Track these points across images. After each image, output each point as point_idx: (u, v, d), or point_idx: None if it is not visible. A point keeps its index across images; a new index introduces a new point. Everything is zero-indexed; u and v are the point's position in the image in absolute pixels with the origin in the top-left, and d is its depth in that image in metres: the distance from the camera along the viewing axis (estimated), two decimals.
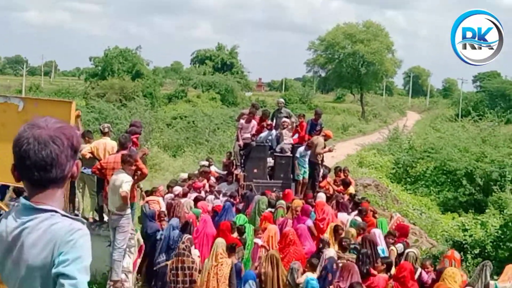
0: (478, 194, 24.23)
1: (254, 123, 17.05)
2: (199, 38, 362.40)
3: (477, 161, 26.01)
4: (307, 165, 16.33)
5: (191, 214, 12.28)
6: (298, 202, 12.81)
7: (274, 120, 18.02)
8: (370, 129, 54.49)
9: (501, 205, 19.93)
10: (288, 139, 17.22)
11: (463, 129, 34.59)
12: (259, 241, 10.76)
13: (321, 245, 10.39)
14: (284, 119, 17.56)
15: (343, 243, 10.42)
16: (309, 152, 16.19)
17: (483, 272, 9.17)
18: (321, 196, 13.72)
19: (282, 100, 20.24)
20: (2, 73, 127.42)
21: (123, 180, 9.66)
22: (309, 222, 11.73)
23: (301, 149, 16.34)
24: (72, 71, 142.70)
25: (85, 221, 2.33)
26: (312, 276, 9.08)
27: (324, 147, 16.82)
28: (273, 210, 13.01)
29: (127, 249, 10.68)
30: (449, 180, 26.60)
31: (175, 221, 11.75)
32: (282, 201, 13.31)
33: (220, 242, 9.97)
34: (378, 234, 11.55)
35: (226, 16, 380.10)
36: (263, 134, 17.13)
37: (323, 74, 76.57)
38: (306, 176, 16.37)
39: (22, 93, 57.25)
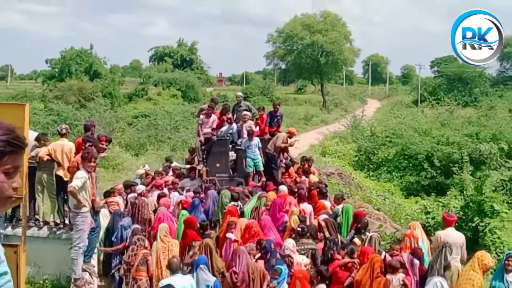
0: (440, 177, 24.63)
1: (214, 117, 16.99)
2: (156, 34, 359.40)
3: (437, 144, 26.41)
4: (256, 156, 16.27)
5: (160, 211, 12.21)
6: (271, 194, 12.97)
7: (235, 114, 17.99)
8: (332, 118, 54.91)
9: (462, 187, 20.27)
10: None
11: (423, 114, 35.13)
12: (231, 236, 10.71)
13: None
14: (245, 112, 17.54)
15: (298, 229, 10.51)
16: (253, 143, 16.18)
17: (442, 253, 9.28)
18: (283, 189, 13.73)
19: (240, 93, 20.23)
20: None
21: (76, 177, 9.56)
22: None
23: (243, 140, 16.38)
24: (29, 74, 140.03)
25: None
26: None
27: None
28: (236, 203, 13.00)
29: (91, 250, 10.57)
30: (411, 165, 26.97)
31: (125, 221, 11.73)
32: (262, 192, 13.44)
33: (163, 227, 10.57)
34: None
35: (182, 11, 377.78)
36: (223, 128, 17.09)
37: (283, 66, 76.79)
38: (261, 166, 16.32)
39: None
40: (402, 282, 8.94)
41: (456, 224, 16.64)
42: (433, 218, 17.20)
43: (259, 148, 16.31)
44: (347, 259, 9.37)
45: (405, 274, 9.09)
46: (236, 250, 9.39)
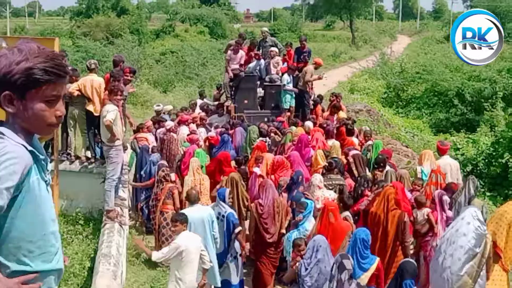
0: (470, 113, 24.30)
1: (242, 53, 16.89)
2: None
3: (468, 80, 25.96)
4: (293, 93, 16.30)
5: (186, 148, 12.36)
6: (299, 130, 13.00)
7: (260, 50, 17.84)
8: (361, 55, 54.06)
9: (493, 123, 20.03)
10: (275, 69, 17.09)
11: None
12: (257, 170, 10.84)
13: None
14: (271, 48, 17.39)
15: (326, 164, 10.55)
16: (291, 78, 16.16)
17: (467, 186, 9.26)
18: (308, 125, 13.71)
19: (266, 29, 20.02)
20: None
21: (108, 110, 9.64)
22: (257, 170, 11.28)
23: (286, 76, 16.28)
24: (57, 10, 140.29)
25: (29, 147, 2.28)
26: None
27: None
28: (265, 139, 13.06)
29: (121, 184, 10.76)
30: (440, 101, 26.62)
31: (154, 157, 11.92)
32: (292, 127, 13.50)
33: (195, 160, 10.88)
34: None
35: None
36: (251, 65, 17.00)
37: (311, 2, 75.52)
38: (293, 103, 16.35)
39: (7, 35, 56.25)
40: (426, 217, 8.95)
41: (486, 160, 16.68)
42: (462, 155, 17.12)
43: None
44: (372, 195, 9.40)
45: (432, 209, 9.08)
46: (263, 183, 9.49)
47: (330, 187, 10.02)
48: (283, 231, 9.00)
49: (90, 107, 11.51)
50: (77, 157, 12.55)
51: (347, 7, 69.56)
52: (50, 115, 2.35)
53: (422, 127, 24.88)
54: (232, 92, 16.89)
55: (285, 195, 9.78)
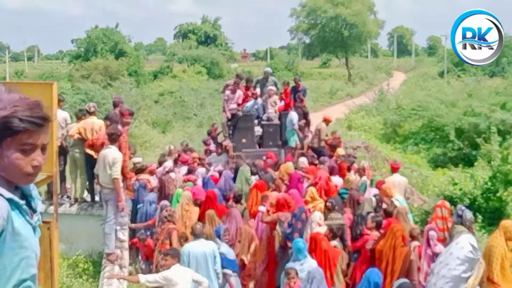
0: (467, 148, 24.42)
1: (239, 93, 17.09)
2: (179, 12, 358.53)
3: (464, 115, 26.16)
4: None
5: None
6: (285, 168, 13.06)
7: (260, 90, 18.06)
8: (357, 92, 54.47)
9: (490, 158, 20.12)
10: (273, 108, 17.28)
11: (449, 85, 34.73)
12: (263, 209, 10.95)
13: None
14: (270, 87, 17.61)
15: (327, 204, 10.61)
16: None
17: (456, 216, 9.31)
18: (303, 161, 13.82)
19: (269, 69, 20.22)
20: None
21: (114, 159, 9.77)
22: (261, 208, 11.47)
23: (294, 115, 16.41)
24: (56, 54, 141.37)
25: (6, 195, 2.34)
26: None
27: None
28: (255, 177, 13.21)
29: (120, 226, 10.80)
30: (437, 137, 26.79)
31: (151, 196, 12.01)
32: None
33: (186, 194, 11.26)
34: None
35: None
36: (249, 104, 17.20)
37: (307, 41, 76.11)
38: (299, 141, 16.51)
39: (7, 79, 56.73)
40: (412, 249, 8.95)
41: (484, 195, 16.75)
42: (460, 189, 17.15)
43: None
44: (374, 233, 9.45)
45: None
46: (229, 212, 10.14)
47: (332, 227, 10.06)
48: (244, 258, 9.54)
49: (89, 151, 11.61)
50: (76, 200, 12.60)
51: (342, 45, 70.33)
52: (25, 163, 2.32)
53: (420, 162, 24.96)
54: (230, 131, 17.04)
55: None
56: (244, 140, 16.83)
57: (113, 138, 10.04)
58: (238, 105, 16.98)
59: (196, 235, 8.69)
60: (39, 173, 2.42)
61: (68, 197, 12.63)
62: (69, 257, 11.99)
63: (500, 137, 21.82)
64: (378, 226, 9.47)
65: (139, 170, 13.45)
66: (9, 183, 2.37)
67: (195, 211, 10.98)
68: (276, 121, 17.10)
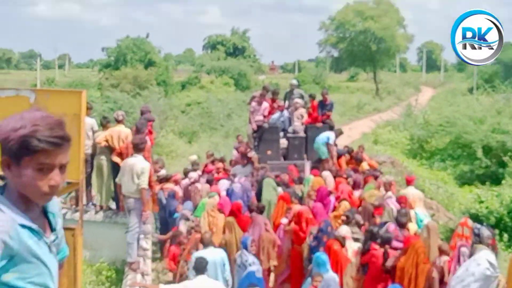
0: (494, 166, 24.12)
1: (265, 105, 17.17)
2: (208, 23, 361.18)
3: (492, 132, 25.86)
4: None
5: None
6: (318, 182, 13.11)
7: (287, 102, 18.14)
8: (385, 106, 54.20)
9: None
10: (299, 120, 17.30)
11: (478, 102, 34.35)
12: (285, 221, 11.04)
13: None
14: (296, 99, 17.65)
15: (342, 217, 10.63)
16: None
17: (477, 233, 9.22)
18: (326, 175, 13.82)
19: (295, 81, 20.30)
20: (17, 68, 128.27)
21: (143, 168, 9.94)
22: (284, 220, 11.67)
23: (332, 135, 16.37)
24: (86, 63, 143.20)
25: (19, 220, 2.37)
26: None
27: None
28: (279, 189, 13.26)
29: (143, 235, 10.90)
30: (465, 153, 26.49)
31: (188, 205, 12.14)
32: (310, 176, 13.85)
33: (211, 202, 11.51)
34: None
35: (234, 0, 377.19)
36: (275, 116, 17.26)
37: (335, 54, 75.88)
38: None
39: (38, 87, 57.58)
40: (442, 265, 8.92)
41: (510, 214, 16.54)
42: (486, 208, 16.96)
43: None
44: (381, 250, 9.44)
45: (451, 258, 9.09)
46: (253, 219, 10.45)
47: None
48: (272, 263, 9.84)
49: (116, 159, 11.74)
50: (102, 207, 12.74)
51: (370, 59, 70.03)
52: (42, 184, 2.34)
53: (447, 179, 24.73)
54: (256, 143, 17.11)
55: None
56: (269, 152, 16.89)
57: (140, 148, 10.18)
58: (264, 117, 17.06)
59: (205, 244, 8.79)
60: (65, 181, 2.46)
61: (94, 204, 12.77)
62: (93, 264, 12.08)
63: None
64: (385, 242, 9.41)
65: (164, 179, 13.57)
66: (27, 200, 2.41)
67: (221, 218, 11.13)
68: (302, 134, 17.13)
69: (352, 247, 9.74)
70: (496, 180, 22.60)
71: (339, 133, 17.02)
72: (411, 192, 12.83)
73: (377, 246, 9.48)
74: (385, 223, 10.53)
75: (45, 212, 2.55)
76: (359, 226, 10.66)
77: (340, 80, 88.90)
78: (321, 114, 17.51)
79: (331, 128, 17.46)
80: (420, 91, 75.06)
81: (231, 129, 33.99)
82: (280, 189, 13.32)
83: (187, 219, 11.43)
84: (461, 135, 26.92)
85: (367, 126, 37.19)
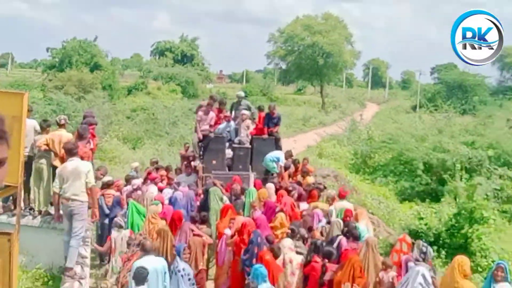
0: (434, 183, 24.69)
1: (212, 114, 17.09)
2: (157, 29, 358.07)
3: (433, 150, 26.47)
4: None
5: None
6: (263, 194, 13.06)
7: (233, 112, 18.10)
8: (330, 120, 54.88)
9: (456, 194, 20.35)
10: (245, 131, 17.25)
11: (420, 120, 35.15)
12: (228, 232, 10.95)
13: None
14: (243, 111, 17.61)
15: (288, 230, 10.67)
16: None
17: (415, 250, 9.44)
18: (270, 187, 13.81)
19: (242, 93, 20.30)
20: None
21: (89, 170, 9.77)
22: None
23: (283, 157, 16.35)
24: (30, 63, 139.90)
25: None
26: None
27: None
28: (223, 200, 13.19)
29: (83, 241, 10.64)
30: (406, 170, 27.01)
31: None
32: (252, 188, 13.84)
33: (152, 209, 11.47)
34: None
35: (184, 8, 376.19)
36: (221, 126, 17.20)
37: (283, 66, 76.56)
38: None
39: None
40: (391, 280, 9.03)
41: (448, 231, 16.92)
42: (426, 224, 17.31)
43: None
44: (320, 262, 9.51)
45: (398, 274, 9.21)
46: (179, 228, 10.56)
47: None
48: (200, 267, 10.00)
49: (56, 162, 11.45)
50: (40, 212, 12.38)
51: (318, 73, 70.89)
52: None
53: (388, 194, 25.13)
54: (201, 152, 17.00)
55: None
56: (214, 162, 16.79)
57: (73, 152, 10.06)
58: (210, 126, 16.97)
59: (146, 251, 8.65)
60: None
61: (32, 209, 12.40)
62: (29, 270, 11.73)
63: (467, 174, 22.14)
64: (326, 256, 9.47)
65: (105, 185, 13.30)
66: None
67: (162, 224, 10.94)
68: (248, 145, 17.09)
69: (296, 260, 9.73)
70: (435, 197, 23.15)
71: (288, 155, 17.03)
72: (344, 204, 12.76)
73: (318, 259, 9.51)
74: (337, 236, 10.59)
75: None
76: (304, 240, 10.68)
77: (287, 92, 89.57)
78: (267, 126, 17.50)
79: (277, 140, 17.49)
80: (365, 107, 76.41)
81: (177, 136, 33.74)
82: (225, 199, 13.24)
83: (121, 226, 11.22)
84: (403, 152, 27.47)
85: (312, 139, 37.53)
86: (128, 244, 10.55)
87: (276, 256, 9.47)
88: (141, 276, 8.00)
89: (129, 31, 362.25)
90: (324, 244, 10.00)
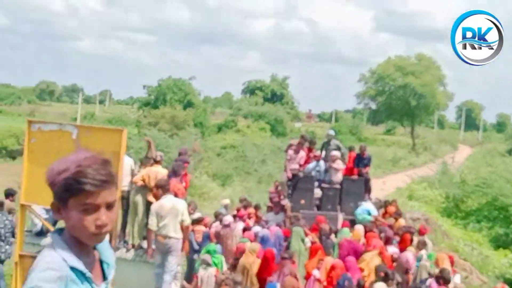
0: None
1: (302, 154, 17.17)
2: (247, 68, 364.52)
3: None
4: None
5: (241, 244, 12.49)
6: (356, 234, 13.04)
7: (324, 152, 18.11)
8: (421, 162, 53.75)
9: None
10: (338, 173, 17.18)
11: None
12: (317, 273, 10.90)
13: None
14: (333, 152, 17.57)
15: (380, 273, 10.47)
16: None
17: None
18: (358, 228, 13.68)
19: (332, 132, 20.23)
20: (59, 101, 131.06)
21: (184, 206, 10.13)
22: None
23: (374, 209, 16.24)
24: (126, 99, 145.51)
25: (70, 263, 2.36)
26: None
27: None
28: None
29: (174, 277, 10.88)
30: (501, 216, 26.07)
31: (218, 249, 12.16)
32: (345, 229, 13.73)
33: (253, 245, 11.63)
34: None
35: (273, 47, 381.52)
36: (310, 165, 17.23)
37: (373, 107, 75.77)
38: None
39: (78, 120, 58.72)
40: None
41: None
42: None
43: None
44: None
45: None
46: None
47: None
48: None
49: (151, 198, 11.80)
50: (133, 246, 12.75)
51: (409, 114, 69.74)
52: (88, 224, 2.34)
53: (481, 240, 24.30)
54: (290, 191, 17.06)
55: None
56: (302, 201, 16.81)
57: (167, 188, 10.37)
58: (300, 165, 17.04)
59: (236, 283, 8.88)
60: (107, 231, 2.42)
61: (126, 242, 12.80)
62: None
63: None
64: None
65: (195, 221, 13.57)
66: (81, 244, 2.40)
67: (258, 262, 11.18)
68: (337, 186, 17.03)
69: None
70: None
71: (379, 207, 16.78)
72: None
73: None
74: (426, 279, 10.42)
75: (100, 261, 2.54)
76: (398, 284, 10.51)
77: (376, 132, 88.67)
78: (357, 167, 17.41)
79: (367, 181, 17.34)
80: (457, 149, 74.36)
81: (265, 174, 34.03)
82: (307, 240, 13.18)
83: (208, 264, 11.34)
84: (498, 197, 26.55)
85: (402, 181, 36.85)
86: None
87: None
88: None
89: (219, 70, 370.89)
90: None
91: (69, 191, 2.31)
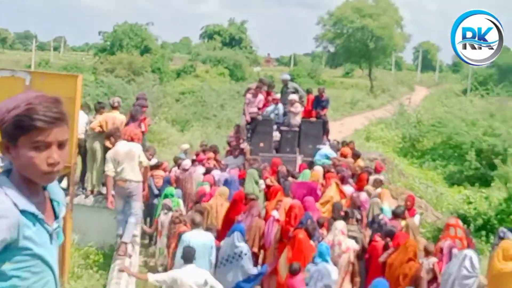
0: (484, 168, 24.30)
1: (261, 97, 17.21)
2: (206, 13, 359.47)
3: (484, 135, 26.04)
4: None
5: (201, 187, 12.59)
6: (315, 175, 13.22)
7: (282, 96, 18.18)
8: (378, 104, 54.28)
9: (506, 179, 20.05)
10: (296, 116, 17.30)
11: (471, 104, 34.56)
12: (276, 214, 11.00)
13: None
14: (291, 95, 17.64)
15: (342, 213, 10.73)
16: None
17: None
18: (317, 169, 13.88)
19: (287, 76, 20.28)
20: (12, 48, 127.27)
21: (140, 149, 10.14)
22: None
23: (333, 154, 16.38)
24: (81, 46, 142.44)
25: (21, 206, 2.31)
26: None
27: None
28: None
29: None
30: (455, 154, 26.69)
31: (178, 193, 12.22)
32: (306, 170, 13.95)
33: (222, 191, 11.71)
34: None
35: None
36: (269, 108, 17.31)
37: (332, 49, 75.81)
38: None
39: (32, 68, 57.31)
40: (431, 266, 9.02)
41: (498, 216, 16.72)
42: (475, 209, 17.15)
43: None
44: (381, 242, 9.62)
45: (439, 259, 9.20)
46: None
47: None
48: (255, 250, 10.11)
49: (109, 144, 11.75)
50: (92, 192, 12.74)
51: (366, 56, 70.03)
52: (40, 162, 2.28)
53: (436, 178, 24.90)
54: (249, 135, 17.15)
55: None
56: (261, 144, 16.95)
57: (118, 135, 10.36)
58: (259, 109, 17.10)
59: (195, 224, 8.91)
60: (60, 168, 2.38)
61: (84, 188, 12.79)
62: (81, 248, 12.11)
63: None
64: (389, 235, 9.55)
65: (154, 166, 13.61)
66: (31, 184, 2.36)
67: (226, 206, 11.33)
68: (295, 128, 17.18)
69: (346, 243, 9.78)
70: (485, 182, 22.80)
71: (337, 149, 16.95)
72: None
73: (379, 238, 9.64)
74: (378, 215, 10.76)
75: (50, 200, 2.50)
76: (358, 221, 10.79)
77: (335, 75, 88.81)
78: (316, 109, 17.56)
79: (324, 123, 17.54)
80: (414, 90, 75.27)
81: (224, 119, 34.01)
82: (262, 182, 13.27)
83: (169, 209, 11.41)
84: (453, 136, 27.12)
85: (360, 123, 37.31)
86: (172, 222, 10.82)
87: (310, 235, 9.50)
88: (189, 255, 8.21)
89: (177, 15, 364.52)
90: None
91: (20, 128, 2.26)
